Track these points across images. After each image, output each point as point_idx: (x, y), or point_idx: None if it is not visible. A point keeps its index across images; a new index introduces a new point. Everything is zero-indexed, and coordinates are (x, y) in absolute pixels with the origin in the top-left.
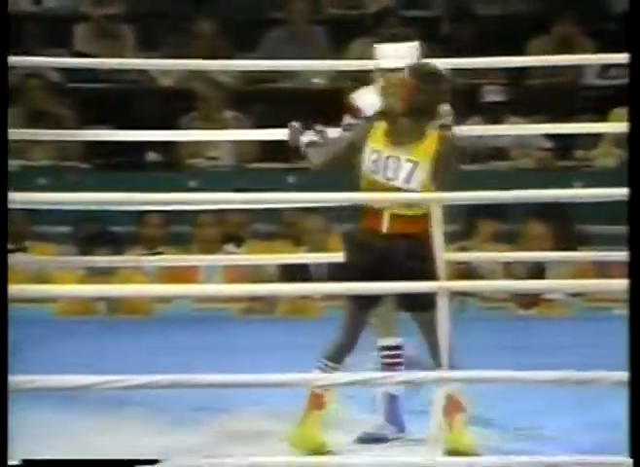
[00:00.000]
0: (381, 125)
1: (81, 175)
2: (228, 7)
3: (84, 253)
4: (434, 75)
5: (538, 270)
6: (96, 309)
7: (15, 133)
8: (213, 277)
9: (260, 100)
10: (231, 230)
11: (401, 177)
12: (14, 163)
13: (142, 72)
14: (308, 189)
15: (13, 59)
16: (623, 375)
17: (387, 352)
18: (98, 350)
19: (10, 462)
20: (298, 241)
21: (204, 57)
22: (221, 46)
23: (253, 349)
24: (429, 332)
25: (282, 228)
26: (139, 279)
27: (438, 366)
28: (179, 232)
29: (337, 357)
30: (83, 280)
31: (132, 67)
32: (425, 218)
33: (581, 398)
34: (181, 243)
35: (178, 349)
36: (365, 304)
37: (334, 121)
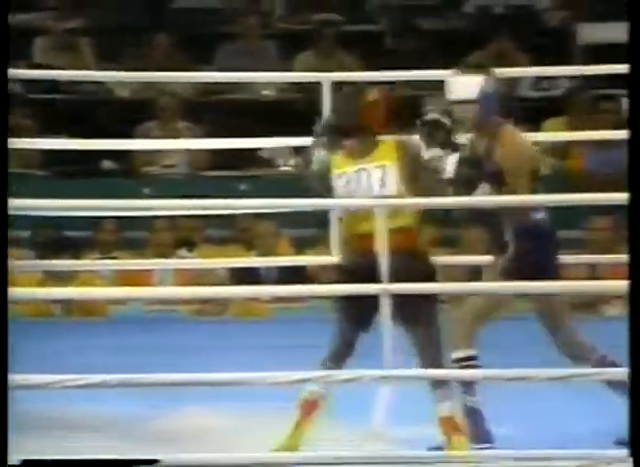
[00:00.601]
0: (336, 151)
1: (38, 183)
2: (184, 22)
3: (42, 257)
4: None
5: (475, 274)
6: (51, 312)
7: None
8: (166, 281)
9: (213, 111)
10: (185, 235)
11: (374, 184)
12: None
13: (100, 84)
14: (259, 195)
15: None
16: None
17: (462, 364)
18: (55, 350)
19: (10, 462)
20: (249, 246)
21: (161, 70)
22: (177, 59)
23: (204, 350)
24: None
25: (234, 233)
26: (95, 283)
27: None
28: (134, 237)
29: (335, 363)
30: (41, 284)
31: (91, 79)
32: (417, 228)
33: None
34: (135, 248)
35: (132, 350)
36: (356, 317)
37: (282, 130)
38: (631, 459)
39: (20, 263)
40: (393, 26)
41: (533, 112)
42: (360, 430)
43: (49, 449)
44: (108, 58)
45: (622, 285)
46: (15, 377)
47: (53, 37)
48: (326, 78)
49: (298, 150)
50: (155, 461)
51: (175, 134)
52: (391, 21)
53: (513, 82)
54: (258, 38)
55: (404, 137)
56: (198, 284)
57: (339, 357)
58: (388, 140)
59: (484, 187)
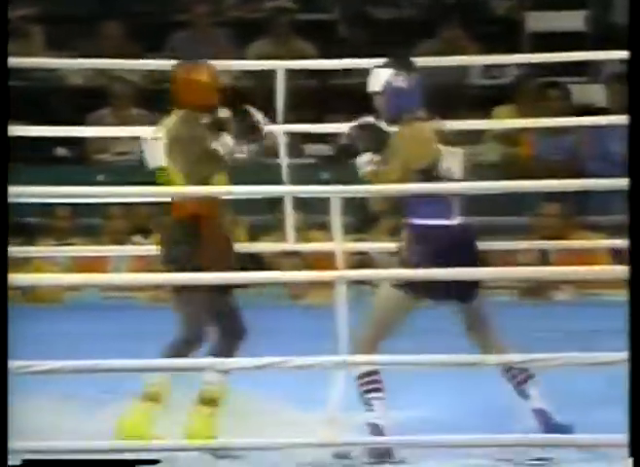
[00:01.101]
0: None
1: None
2: (135, 10)
3: None
4: None
5: None
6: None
7: None
8: (122, 267)
9: (166, 99)
10: (140, 222)
11: (147, 154)
12: None
13: (52, 71)
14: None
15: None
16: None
17: (364, 379)
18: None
19: (10, 462)
20: None
21: (113, 57)
22: (129, 47)
23: (160, 336)
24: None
25: None
26: (50, 269)
27: None
28: (88, 224)
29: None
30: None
31: (43, 66)
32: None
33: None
34: (90, 235)
35: (88, 336)
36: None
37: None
38: (631, 460)
39: None
40: (346, 15)
41: (483, 100)
42: (315, 416)
43: None
44: (60, 46)
45: (621, 270)
46: None
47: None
48: (280, 66)
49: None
50: (156, 461)
51: (128, 122)
52: (344, 10)
53: (462, 70)
54: (210, 26)
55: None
56: (154, 271)
57: (190, 346)
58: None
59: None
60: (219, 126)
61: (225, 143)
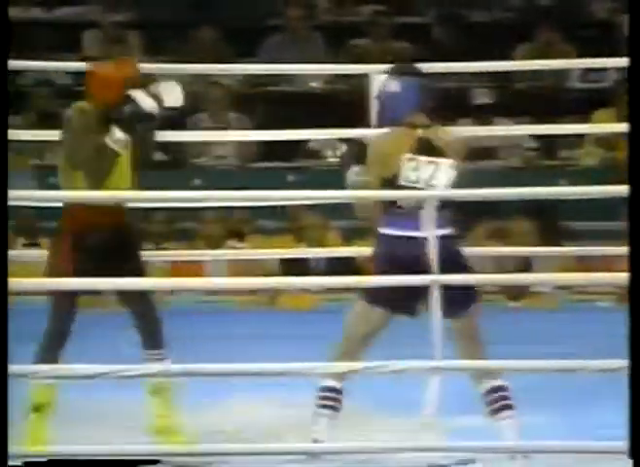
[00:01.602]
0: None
1: None
2: (230, 15)
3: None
4: None
5: (525, 265)
6: (106, 302)
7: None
8: (217, 272)
9: (262, 103)
10: (235, 226)
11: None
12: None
13: (148, 76)
14: (308, 187)
15: (13, 63)
16: (622, 363)
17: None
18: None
19: (10, 463)
20: (298, 237)
21: (209, 62)
22: (224, 51)
23: (254, 339)
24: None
25: (283, 224)
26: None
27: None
28: (185, 228)
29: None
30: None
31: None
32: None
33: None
34: (187, 239)
35: (184, 340)
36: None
37: (329, 121)
38: (631, 460)
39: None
40: (440, 18)
41: (582, 103)
42: (411, 421)
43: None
44: (155, 51)
45: (621, 277)
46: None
47: (102, 30)
48: (373, 69)
49: (347, 141)
50: (156, 461)
51: (225, 126)
52: (439, 13)
53: (560, 73)
54: (304, 30)
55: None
56: (248, 275)
57: (56, 347)
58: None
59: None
60: (110, 120)
61: (116, 138)
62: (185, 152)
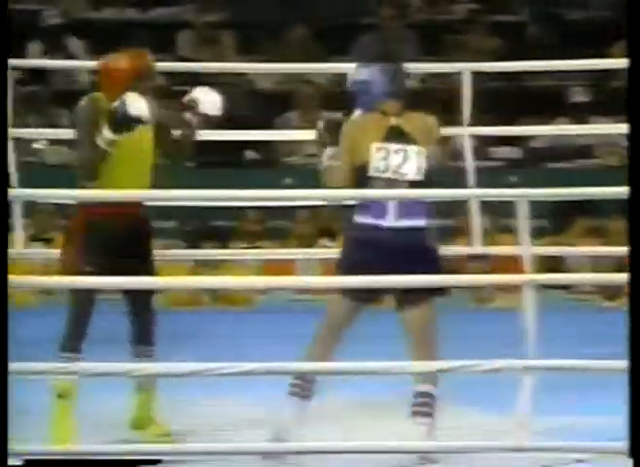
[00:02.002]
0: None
1: (186, 173)
2: (323, 14)
3: (191, 247)
4: None
5: (621, 265)
6: (201, 301)
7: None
8: (309, 270)
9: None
10: (326, 225)
11: None
12: None
13: (241, 75)
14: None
15: (13, 61)
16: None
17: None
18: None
19: (11, 462)
20: None
21: (300, 61)
22: (316, 50)
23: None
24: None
25: None
26: (240, 272)
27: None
28: (277, 227)
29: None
30: (191, 272)
31: (232, 71)
32: None
33: None
34: (279, 238)
35: (277, 338)
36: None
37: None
38: (631, 460)
39: (170, 252)
40: (536, 16)
41: None
42: (505, 419)
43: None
44: (248, 51)
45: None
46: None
47: (196, 30)
48: (465, 67)
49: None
50: (157, 461)
51: (315, 124)
52: (534, 11)
53: None
54: (397, 28)
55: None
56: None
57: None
58: None
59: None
60: (102, 117)
61: (104, 136)
62: (276, 151)
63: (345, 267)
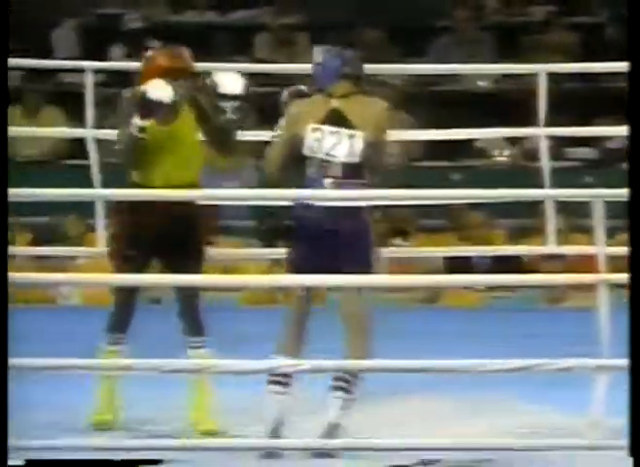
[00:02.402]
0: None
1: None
2: (397, 16)
3: (266, 246)
4: None
5: None
6: (275, 299)
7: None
8: (379, 269)
9: (428, 102)
10: (399, 224)
11: None
12: None
13: None
14: (473, 185)
15: (13, 61)
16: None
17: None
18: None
19: (11, 462)
20: (462, 235)
21: (376, 63)
22: (391, 52)
23: (416, 336)
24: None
25: (448, 222)
26: None
27: None
28: None
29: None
30: (267, 271)
31: (308, 72)
32: None
33: None
34: None
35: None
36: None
37: (496, 120)
38: (631, 459)
39: (248, 251)
40: (613, 17)
41: None
42: (577, 419)
43: None
44: None
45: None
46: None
47: (272, 33)
48: (541, 69)
49: (513, 141)
50: (158, 461)
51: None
52: (611, 12)
53: None
54: (472, 30)
55: None
56: (413, 273)
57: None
58: None
59: None
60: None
61: (133, 122)
62: None
63: (293, 254)
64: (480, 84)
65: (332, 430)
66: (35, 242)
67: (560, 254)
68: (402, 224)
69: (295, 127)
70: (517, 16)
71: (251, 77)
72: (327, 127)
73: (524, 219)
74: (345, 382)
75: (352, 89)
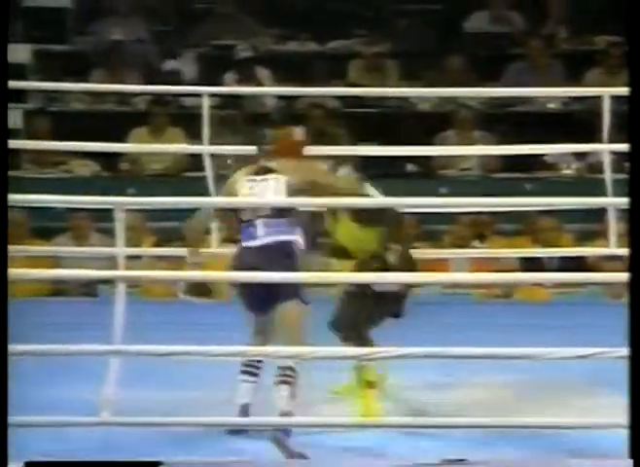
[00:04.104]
0: None
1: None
2: (476, 44)
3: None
4: None
5: None
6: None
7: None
8: (462, 268)
9: (504, 122)
10: (478, 228)
11: None
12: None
13: (404, 99)
14: (544, 194)
15: (14, 84)
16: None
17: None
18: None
19: (11, 464)
20: (535, 238)
21: (457, 87)
22: (470, 77)
23: (492, 327)
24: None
25: (521, 227)
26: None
27: None
28: (433, 230)
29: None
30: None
31: (396, 95)
32: None
33: None
34: (433, 240)
35: (432, 327)
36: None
37: (565, 138)
38: (631, 460)
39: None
40: None
41: None
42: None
43: None
44: (410, 77)
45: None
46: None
47: (365, 60)
48: (606, 92)
49: (579, 155)
50: (157, 463)
51: (470, 142)
52: None
53: None
54: (544, 57)
55: None
56: (491, 272)
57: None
58: None
59: None
60: None
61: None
62: (433, 164)
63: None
64: (550, 105)
65: (285, 416)
66: (158, 244)
67: (621, 255)
68: (481, 228)
69: (232, 191)
70: (584, 44)
71: (346, 99)
72: (257, 177)
73: (589, 224)
74: (291, 373)
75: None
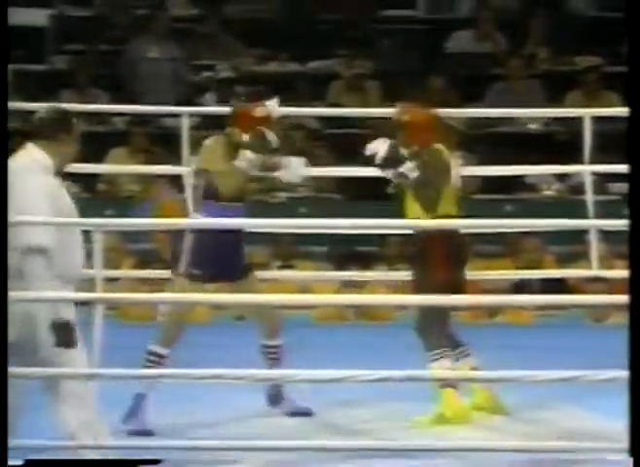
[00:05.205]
0: None
1: (333, 205)
2: (456, 65)
3: (338, 269)
4: None
5: None
6: (347, 316)
7: None
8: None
9: (484, 142)
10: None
11: None
12: (279, 195)
13: (385, 119)
14: (524, 216)
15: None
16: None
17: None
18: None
19: (11, 462)
20: (516, 260)
21: (438, 107)
22: (452, 97)
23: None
24: None
25: (502, 248)
26: (382, 291)
27: None
28: None
29: None
30: (338, 291)
31: (374, 116)
32: None
33: None
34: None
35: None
36: None
37: (546, 159)
38: (631, 460)
39: (318, 274)
40: None
41: None
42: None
43: None
44: (391, 98)
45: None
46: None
47: (345, 80)
48: (587, 113)
49: (560, 176)
50: (158, 461)
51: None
52: None
53: None
54: (524, 78)
55: None
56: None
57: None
58: None
59: None
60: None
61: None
62: None
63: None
64: (531, 126)
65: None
66: (137, 266)
67: (603, 277)
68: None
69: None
70: (565, 65)
71: (326, 119)
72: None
73: (571, 246)
74: (276, 355)
75: None
